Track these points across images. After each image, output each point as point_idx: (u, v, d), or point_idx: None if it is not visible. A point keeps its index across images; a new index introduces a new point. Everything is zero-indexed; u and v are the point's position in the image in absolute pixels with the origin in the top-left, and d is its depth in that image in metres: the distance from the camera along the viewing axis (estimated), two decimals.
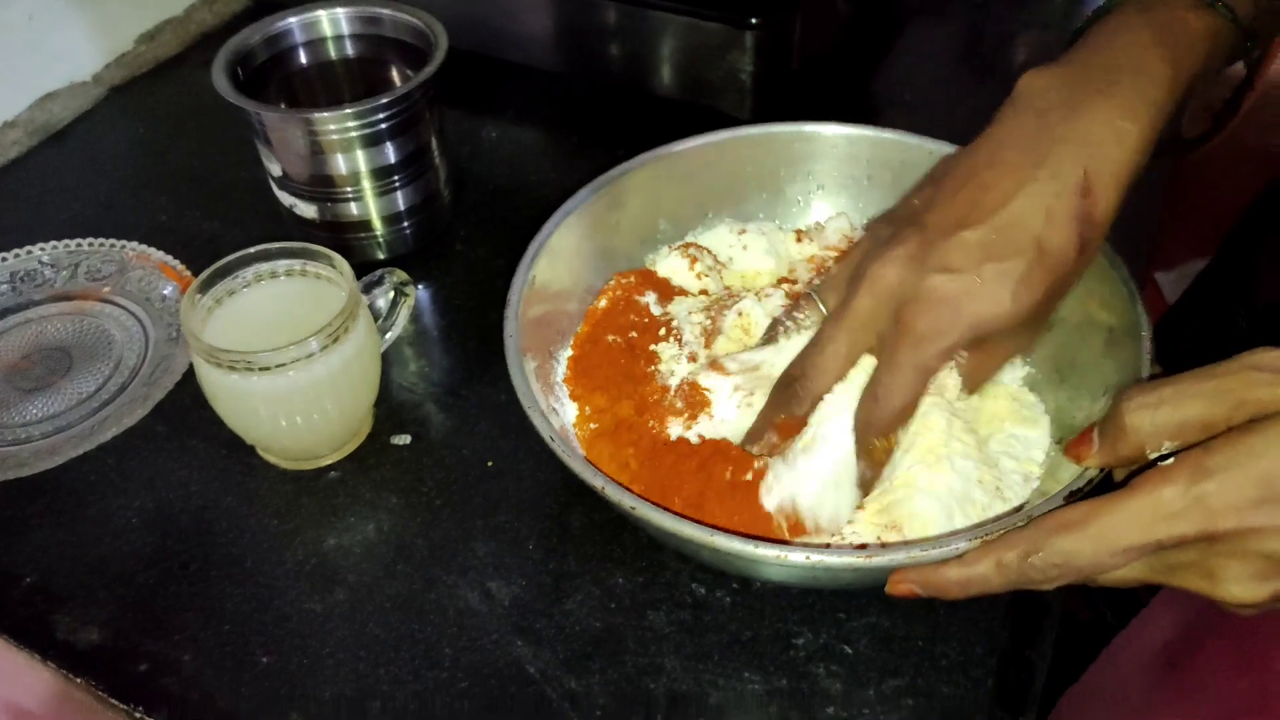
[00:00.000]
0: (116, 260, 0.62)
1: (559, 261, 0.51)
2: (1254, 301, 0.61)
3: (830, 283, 0.46)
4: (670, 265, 0.55)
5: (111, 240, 0.63)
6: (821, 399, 0.43)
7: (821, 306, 0.46)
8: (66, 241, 0.63)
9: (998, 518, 0.41)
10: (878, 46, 0.81)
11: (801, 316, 0.47)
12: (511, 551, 0.48)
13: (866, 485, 0.43)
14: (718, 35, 0.68)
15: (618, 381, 0.50)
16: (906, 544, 0.39)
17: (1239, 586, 0.32)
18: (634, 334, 0.52)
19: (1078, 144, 0.39)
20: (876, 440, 0.42)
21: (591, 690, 0.43)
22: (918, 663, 0.43)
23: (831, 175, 0.57)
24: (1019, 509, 0.42)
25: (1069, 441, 0.38)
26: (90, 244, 0.63)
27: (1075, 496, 0.37)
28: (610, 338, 0.52)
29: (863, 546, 0.42)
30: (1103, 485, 0.37)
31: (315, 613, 0.46)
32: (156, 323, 0.59)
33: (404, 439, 0.53)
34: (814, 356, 0.43)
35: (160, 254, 0.62)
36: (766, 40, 0.68)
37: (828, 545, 0.42)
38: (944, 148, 0.52)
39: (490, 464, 0.52)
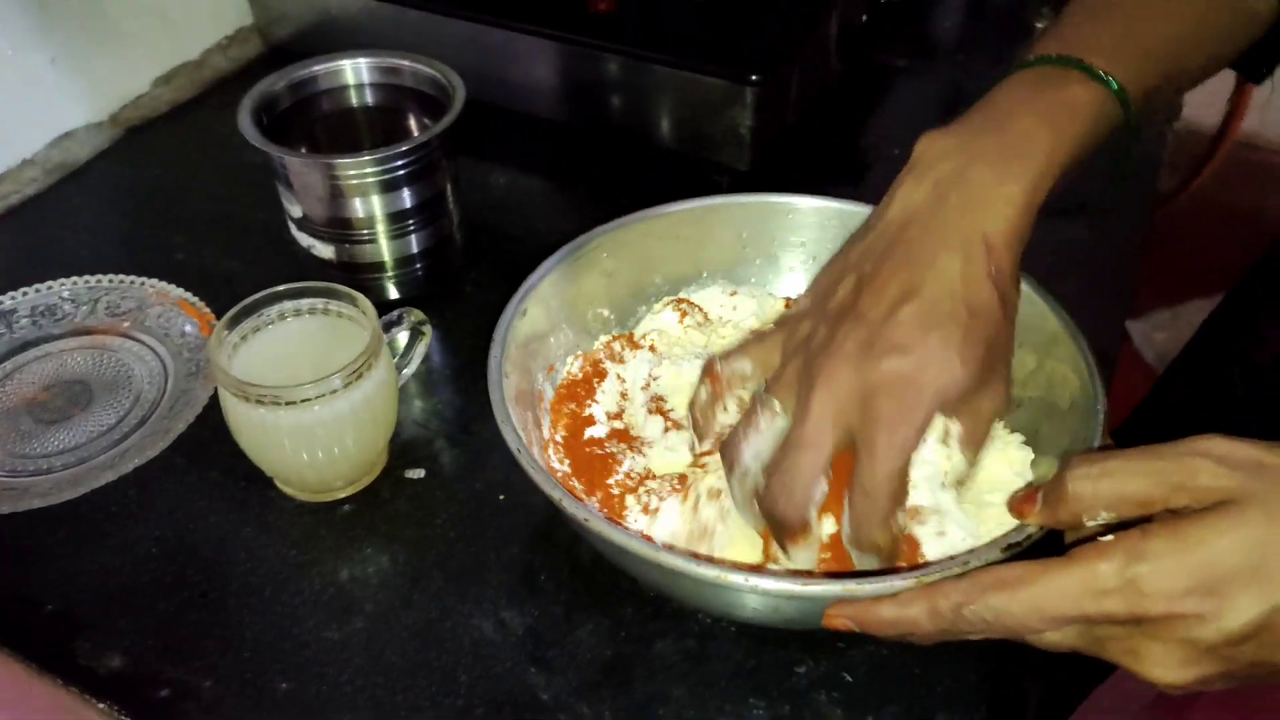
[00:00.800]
0: (136, 296, 0.64)
1: (548, 310, 0.53)
2: (1253, 359, 0.62)
3: (782, 384, 0.44)
4: (663, 319, 0.57)
5: (131, 277, 0.64)
6: (812, 503, 0.41)
7: (778, 407, 0.44)
8: (86, 277, 0.64)
9: (935, 562, 0.41)
10: (867, 100, 0.85)
11: (763, 419, 0.44)
12: (524, 583, 0.50)
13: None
14: (719, 91, 0.72)
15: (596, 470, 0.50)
16: (841, 575, 0.39)
17: (1162, 669, 0.33)
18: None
19: (974, 211, 0.42)
20: (879, 534, 0.41)
21: (603, 717, 0.44)
22: (915, 690, 0.45)
23: (826, 247, 0.57)
24: (954, 558, 0.41)
25: (1014, 498, 0.39)
26: (110, 280, 0.64)
27: (1011, 550, 0.39)
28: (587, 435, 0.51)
29: (799, 573, 0.42)
30: (1043, 544, 0.38)
31: (333, 641, 0.47)
32: (176, 358, 0.60)
33: (418, 473, 0.55)
34: (790, 470, 0.41)
35: (179, 291, 0.63)
36: (766, 96, 0.71)
37: (789, 573, 0.43)
38: None
39: (502, 498, 0.53)
